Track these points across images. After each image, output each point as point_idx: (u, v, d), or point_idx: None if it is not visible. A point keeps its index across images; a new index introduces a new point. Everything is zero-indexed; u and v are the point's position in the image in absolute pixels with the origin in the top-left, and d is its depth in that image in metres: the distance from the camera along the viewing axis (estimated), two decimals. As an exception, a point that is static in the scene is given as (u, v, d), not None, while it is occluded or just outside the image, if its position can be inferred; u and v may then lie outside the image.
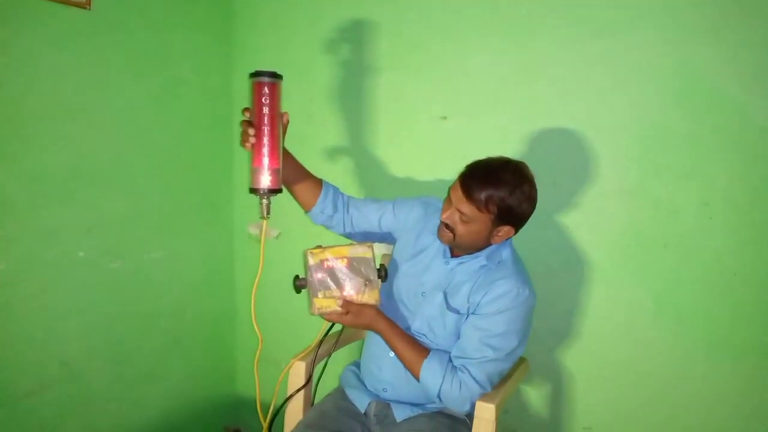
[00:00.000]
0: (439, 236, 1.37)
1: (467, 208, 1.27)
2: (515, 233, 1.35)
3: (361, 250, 1.33)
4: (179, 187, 1.97)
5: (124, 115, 1.75)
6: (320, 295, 1.30)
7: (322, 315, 1.33)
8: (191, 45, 1.95)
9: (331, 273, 1.31)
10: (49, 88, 1.55)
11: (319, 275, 1.30)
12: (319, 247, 1.32)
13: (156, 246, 1.90)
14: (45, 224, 1.58)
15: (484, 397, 1.31)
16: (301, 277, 1.34)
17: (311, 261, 1.30)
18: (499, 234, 1.32)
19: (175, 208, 1.96)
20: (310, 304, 1.32)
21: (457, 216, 1.30)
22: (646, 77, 1.50)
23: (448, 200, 1.34)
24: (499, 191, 1.26)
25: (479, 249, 1.37)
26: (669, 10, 1.46)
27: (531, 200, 1.31)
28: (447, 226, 1.33)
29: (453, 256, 1.42)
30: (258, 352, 1.40)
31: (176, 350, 2.03)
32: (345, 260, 1.31)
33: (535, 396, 1.75)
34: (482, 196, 1.25)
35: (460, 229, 1.31)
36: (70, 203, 1.63)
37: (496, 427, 1.28)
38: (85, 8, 1.59)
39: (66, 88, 1.59)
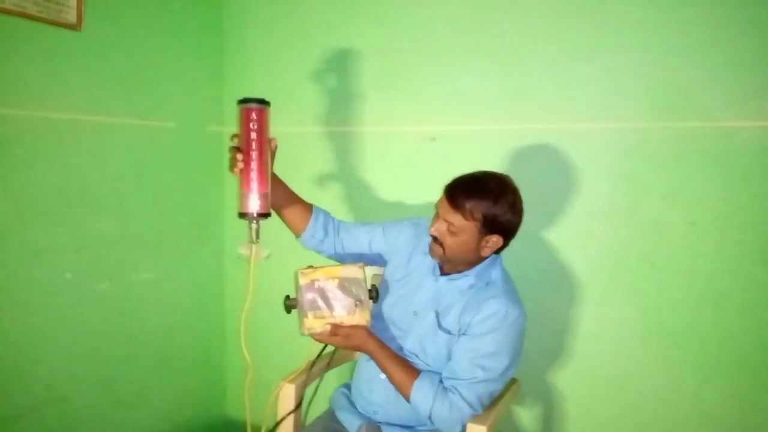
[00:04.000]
0: (431, 252, 1.38)
1: (454, 218, 1.29)
2: (504, 245, 1.36)
3: (352, 271, 1.32)
4: (169, 208, 1.96)
5: (113, 135, 1.75)
6: (310, 315, 1.29)
7: (312, 336, 1.32)
8: (181, 66, 1.96)
9: (322, 293, 1.30)
10: (37, 108, 1.55)
11: (310, 296, 1.30)
12: (311, 267, 1.32)
13: (145, 267, 1.89)
14: (32, 244, 1.57)
15: (476, 418, 1.30)
16: (291, 297, 1.33)
17: (302, 281, 1.30)
18: (488, 245, 1.33)
19: (165, 229, 1.95)
20: (301, 324, 1.31)
21: (444, 227, 1.31)
22: (633, 98, 1.52)
23: (436, 215, 1.35)
24: (483, 199, 1.29)
25: (469, 263, 1.37)
26: (655, 33, 1.49)
27: (515, 209, 1.33)
28: (435, 239, 1.34)
29: (443, 273, 1.42)
30: (248, 378, 1.38)
31: (164, 372, 2.01)
32: (336, 280, 1.31)
33: (526, 417, 1.74)
34: (467, 204, 1.28)
35: (449, 241, 1.32)
36: (57, 223, 1.62)
37: (487, 449, 1.28)
38: (75, 30, 1.60)
39: (55, 109, 1.59)
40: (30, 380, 1.60)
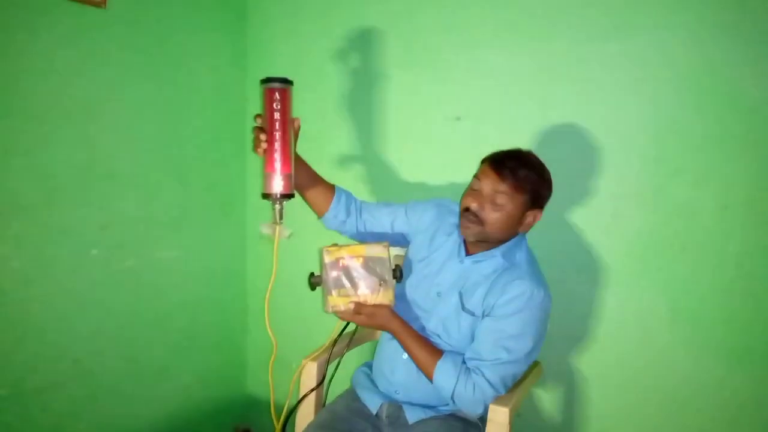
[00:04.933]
0: (464, 231, 1.35)
1: (504, 189, 1.28)
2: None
3: (377, 250, 1.32)
4: (192, 186, 1.97)
5: (138, 113, 1.76)
6: (334, 293, 1.30)
7: (335, 313, 1.32)
8: (205, 45, 1.96)
9: (346, 271, 1.30)
10: (64, 86, 1.56)
11: (334, 273, 1.30)
12: (335, 245, 1.32)
13: (169, 244, 1.91)
14: (58, 222, 1.59)
15: (498, 400, 1.29)
16: (316, 274, 1.34)
17: (327, 259, 1.30)
18: (527, 220, 1.34)
19: (189, 207, 1.97)
20: (324, 302, 1.31)
21: (489, 203, 1.30)
22: (664, 78, 1.48)
23: (474, 192, 1.33)
24: (532, 171, 1.31)
25: (504, 241, 1.36)
26: (689, 11, 1.44)
27: (552, 186, 1.36)
28: (476, 216, 1.31)
29: (468, 254, 1.40)
30: (273, 357, 1.39)
31: (187, 349, 2.03)
32: (361, 259, 1.30)
33: (548, 400, 1.74)
34: (520, 174, 1.28)
35: (492, 216, 1.30)
36: (83, 201, 1.64)
37: (509, 431, 1.27)
38: (101, 7, 1.60)
39: (81, 87, 1.60)
40: (58, 354, 1.63)
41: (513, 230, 1.35)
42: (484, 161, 1.37)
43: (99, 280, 1.70)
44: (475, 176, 1.35)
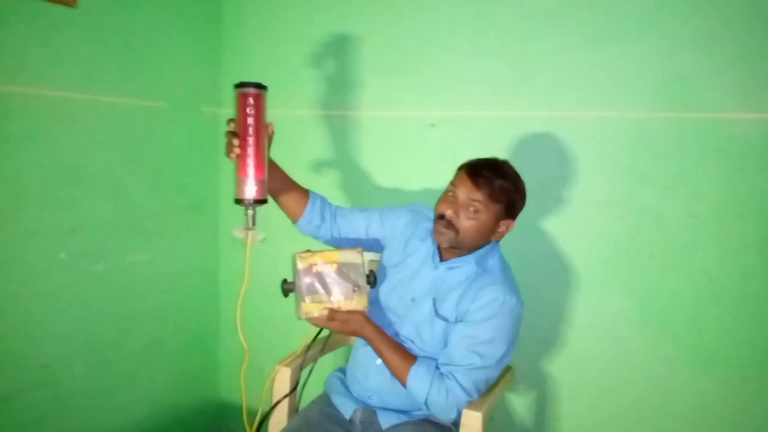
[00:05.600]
0: (437, 237, 1.36)
1: (479, 197, 1.29)
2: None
3: (350, 256, 1.32)
4: (164, 189, 1.94)
5: (108, 115, 1.72)
6: (308, 299, 1.29)
7: (309, 320, 1.32)
8: (178, 47, 1.93)
9: (320, 277, 1.29)
10: (33, 85, 1.52)
11: (308, 279, 1.29)
12: (309, 251, 1.31)
13: (139, 248, 1.87)
14: (25, 225, 1.55)
15: (471, 404, 1.30)
16: (289, 281, 1.33)
17: (300, 265, 1.29)
18: (500, 229, 1.36)
19: (160, 210, 1.94)
20: (298, 308, 1.31)
21: (463, 210, 1.31)
22: (636, 87, 1.51)
23: (449, 199, 1.34)
24: (507, 181, 1.32)
25: (477, 248, 1.37)
26: (657, 23, 1.48)
27: (525, 194, 1.38)
28: (450, 223, 1.32)
29: (442, 260, 1.41)
30: (245, 363, 1.38)
31: (158, 354, 2.00)
32: (334, 265, 1.30)
33: (520, 404, 1.75)
34: (496, 184, 1.30)
35: (466, 224, 1.31)
36: (51, 204, 1.60)
37: (482, 436, 1.28)
38: (71, 6, 1.57)
39: (50, 86, 1.56)
40: (24, 360, 1.59)
41: (486, 238, 1.36)
42: (460, 168, 1.38)
43: (67, 283, 1.67)
44: (451, 183, 1.36)
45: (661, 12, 1.47)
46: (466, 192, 1.31)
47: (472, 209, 1.30)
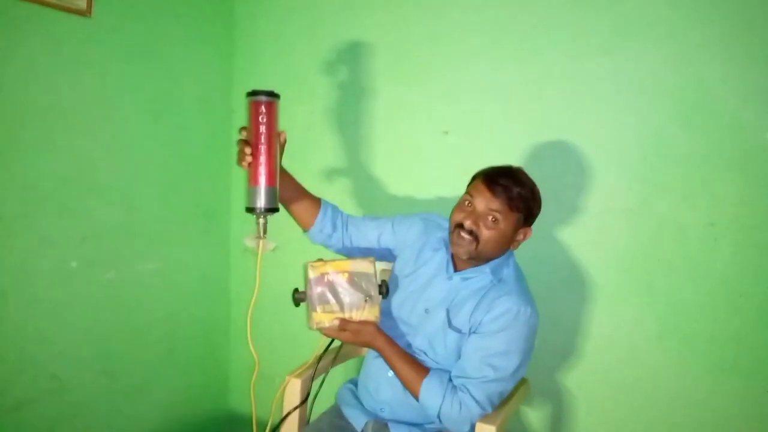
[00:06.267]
0: (456, 248, 1.33)
1: (498, 207, 1.27)
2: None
3: (362, 265, 1.30)
4: (175, 197, 1.94)
5: (121, 123, 1.73)
6: (319, 309, 1.27)
7: (320, 330, 1.30)
8: (191, 56, 1.94)
9: (332, 287, 1.28)
10: (46, 95, 1.53)
11: (319, 289, 1.27)
12: (320, 260, 1.30)
13: (151, 257, 1.87)
14: (38, 233, 1.55)
15: (485, 418, 1.27)
16: (300, 290, 1.31)
17: (311, 274, 1.28)
18: (518, 238, 1.34)
19: (171, 219, 1.94)
20: (309, 318, 1.29)
21: (483, 220, 1.28)
22: (653, 95, 1.49)
23: (467, 208, 1.31)
24: (524, 189, 1.30)
25: (494, 258, 1.35)
26: (677, 29, 1.45)
27: (541, 201, 1.36)
28: (470, 233, 1.30)
29: (456, 270, 1.39)
30: (255, 374, 1.36)
31: (169, 364, 1.99)
32: (346, 275, 1.28)
33: (535, 418, 1.72)
34: (513, 193, 1.27)
35: (486, 234, 1.29)
36: (64, 212, 1.61)
37: (496, 450, 1.25)
38: (85, 16, 1.58)
39: (64, 96, 1.57)
40: (35, 369, 1.58)
41: (504, 248, 1.34)
42: (476, 177, 1.36)
43: (78, 292, 1.67)
44: (467, 192, 1.34)
45: (681, 16, 1.44)
46: (484, 201, 1.29)
47: (491, 218, 1.28)
